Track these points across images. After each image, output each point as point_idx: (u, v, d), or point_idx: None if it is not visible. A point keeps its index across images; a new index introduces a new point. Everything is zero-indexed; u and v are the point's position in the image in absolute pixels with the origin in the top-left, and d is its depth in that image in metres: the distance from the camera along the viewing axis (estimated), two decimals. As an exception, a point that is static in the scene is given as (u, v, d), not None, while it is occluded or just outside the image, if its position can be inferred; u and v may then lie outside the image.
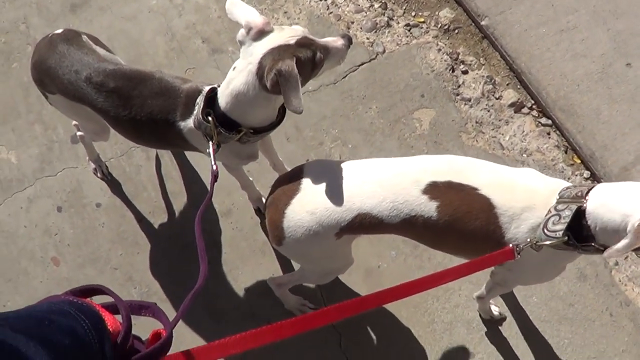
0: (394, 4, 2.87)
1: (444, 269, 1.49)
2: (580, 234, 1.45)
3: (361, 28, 2.81)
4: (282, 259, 2.37)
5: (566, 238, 1.43)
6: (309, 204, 1.64)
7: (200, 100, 1.76)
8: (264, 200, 2.39)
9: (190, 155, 2.55)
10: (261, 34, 1.66)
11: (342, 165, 1.69)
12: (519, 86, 2.66)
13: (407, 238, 1.75)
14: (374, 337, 2.27)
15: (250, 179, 2.34)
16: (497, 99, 2.64)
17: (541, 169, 2.45)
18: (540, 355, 2.21)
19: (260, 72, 1.63)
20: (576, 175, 2.47)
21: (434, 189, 1.57)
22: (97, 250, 2.45)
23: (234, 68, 1.70)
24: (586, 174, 2.47)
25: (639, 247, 1.36)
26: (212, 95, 1.76)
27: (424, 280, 1.38)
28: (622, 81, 2.54)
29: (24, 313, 0.80)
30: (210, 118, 1.72)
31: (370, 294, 1.29)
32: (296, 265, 2.26)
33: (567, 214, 1.44)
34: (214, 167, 1.70)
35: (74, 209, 2.51)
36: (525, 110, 2.61)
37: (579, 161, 2.50)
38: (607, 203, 1.42)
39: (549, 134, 2.56)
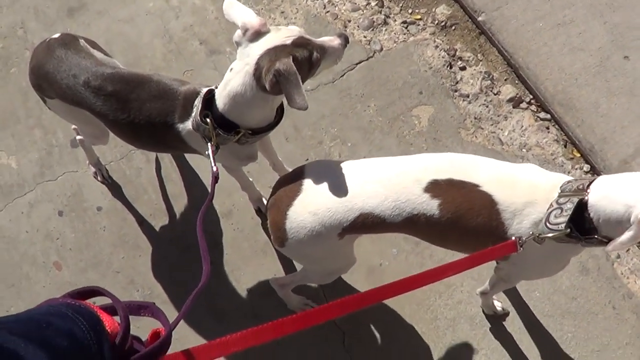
0: (390, 1, 2.87)
1: (447, 262, 1.49)
2: (583, 227, 1.45)
3: (358, 26, 2.81)
4: (284, 259, 2.37)
5: (568, 230, 1.43)
6: (311, 205, 1.64)
7: (198, 102, 1.76)
8: (264, 201, 2.39)
9: (190, 157, 2.55)
10: (258, 34, 1.66)
11: (343, 165, 1.69)
12: (517, 81, 2.66)
13: (409, 236, 1.75)
14: (377, 335, 2.27)
15: (250, 179, 2.34)
16: (495, 94, 2.64)
17: (541, 163, 2.45)
18: (544, 349, 2.21)
19: (257, 73, 1.63)
20: (576, 169, 2.47)
21: (435, 187, 1.57)
22: (99, 253, 2.45)
23: (231, 69, 1.71)
24: (586, 167, 2.47)
25: None
26: (210, 97, 1.76)
27: (426, 275, 1.37)
28: (620, 74, 2.54)
29: (22, 317, 0.80)
30: (208, 120, 1.72)
31: (372, 289, 1.28)
32: (298, 266, 2.27)
33: (569, 206, 1.44)
34: (214, 169, 1.70)
35: (75, 213, 2.52)
36: (523, 105, 2.61)
37: (578, 155, 2.50)
38: (609, 195, 1.42)
39: (548, 128, 2.56)
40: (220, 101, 1.72)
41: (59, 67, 1.88)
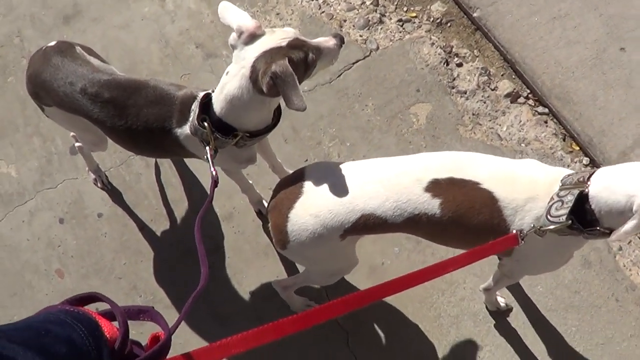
0: (385, 0, 2.87)
1: (448, 258, 1.48)
2: (585, 219, 1.45)
3: (354, 26, 2.81)
4: (286, 261, 2.37)
5: (570, 222, 1.43)
6: (312, 207, 1.64)
7: (195, 107, 1.76)
8: (264, 203, 2.39)
9: (189, 161, 2.55)
10: (253, 37, 1.66)
11: (343, 166, 1.69)
12: (514, 76, 2.65)
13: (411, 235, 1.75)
14: (381, 334, 2.27)
15: (250, 182, 2.34)
16: (492, 90, 2.64)
17: (540, 157, 2.45)
18: (548, 344, 2.21)
19: (253, 76, 1.63)
20: (575, 162, 2.47)
21: (436, 186, 1.57)
22: (101, 260, 2.45)
23: (227, 73, 1.71)
24: (585, 160, 2.47)
25: None
26: (207, 100, 1.76)
27: (428, 270, 1.36)
28: (616, 66, 2.54)
29: (21, 324, 0.81)
30: (206, 124, 1.72)
31: (373, 286, 1.28)
32: (300, 267, 2.27)
33: (570, 198, 1.44)
34: (214, 173, 1.70)
35: (76, 220, 2.52)
36: (521, 100, 2.61)
37: (577, 148, 2.50)
38: (610, 186, 1.42)
39: (546, 122, 2.56)
40: (218, 105, 1.73)
41: (55, 74, 1.88)
